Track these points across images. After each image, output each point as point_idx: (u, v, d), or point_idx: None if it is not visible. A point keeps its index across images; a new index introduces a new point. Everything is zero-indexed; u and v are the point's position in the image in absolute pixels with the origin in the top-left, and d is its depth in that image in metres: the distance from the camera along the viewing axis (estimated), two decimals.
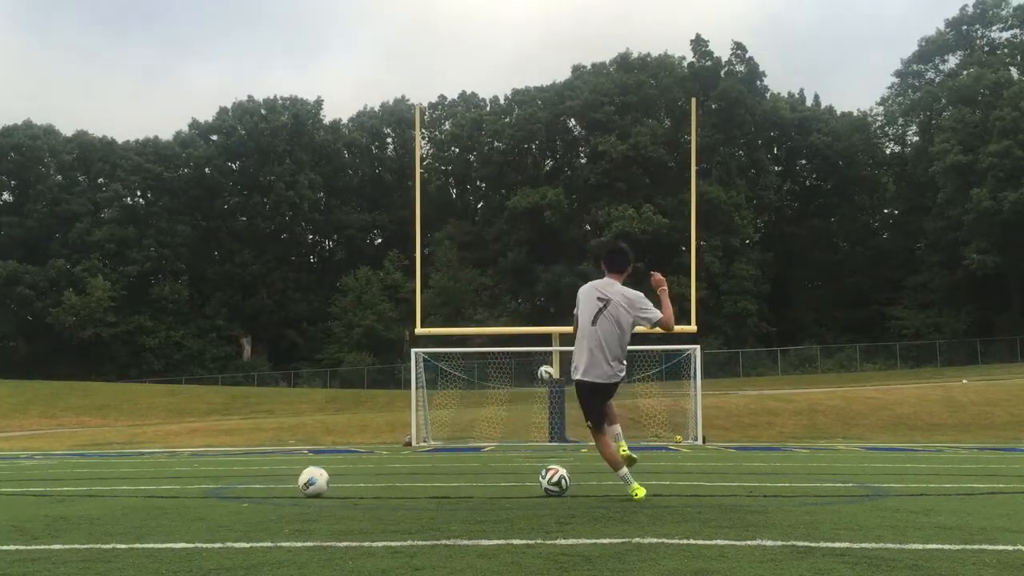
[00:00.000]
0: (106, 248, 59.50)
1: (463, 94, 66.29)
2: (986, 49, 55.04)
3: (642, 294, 6.33)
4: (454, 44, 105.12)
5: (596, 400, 6.20)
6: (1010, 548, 3.95)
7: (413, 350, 22.85)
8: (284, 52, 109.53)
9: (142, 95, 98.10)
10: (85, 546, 4.20)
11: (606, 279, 6.33)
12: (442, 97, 66.62)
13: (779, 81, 68.79)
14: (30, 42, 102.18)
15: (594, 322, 6.13)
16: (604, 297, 6.19)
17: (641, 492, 6.06)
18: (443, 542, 4.15)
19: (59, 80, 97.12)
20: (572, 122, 61.88)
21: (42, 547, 4.17)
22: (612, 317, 6.13)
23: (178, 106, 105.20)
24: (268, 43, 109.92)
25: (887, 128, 61.19)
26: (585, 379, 6.15)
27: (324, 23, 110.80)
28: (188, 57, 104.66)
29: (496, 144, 61.96)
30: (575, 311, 6.32)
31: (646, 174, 56.46)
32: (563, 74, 65.46)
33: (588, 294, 6.27)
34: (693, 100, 26.79)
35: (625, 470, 6.17)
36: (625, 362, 6.25)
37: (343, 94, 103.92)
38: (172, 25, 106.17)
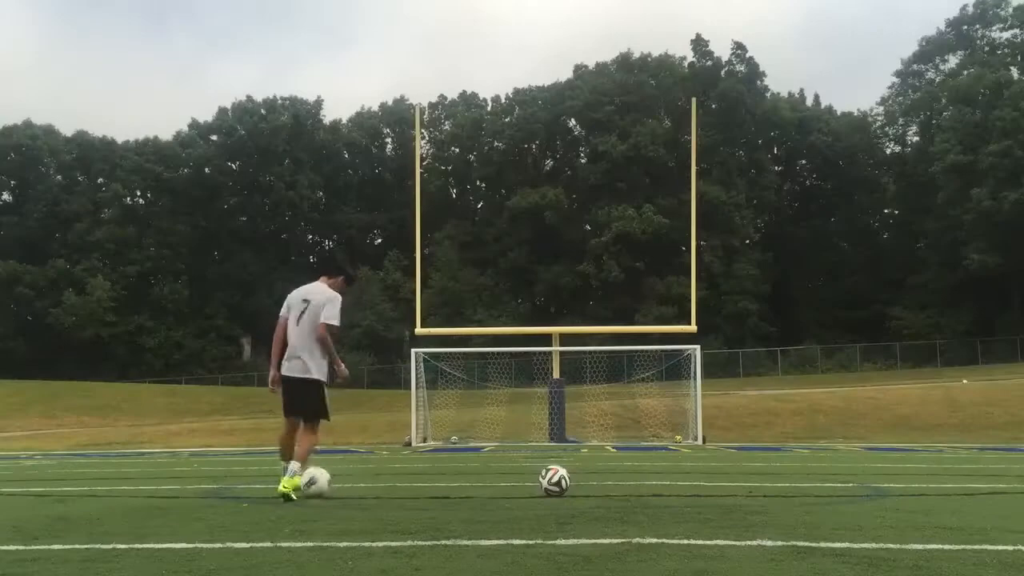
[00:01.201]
0: (106, 248, 59.51)
1: (463, 94, 66.29)
2: (986, 49, 55.04)
3: (337, 297, 6.80)
4: (455, 43, 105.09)
5: (295, 395, 6.72)
6: (1010, 548, 3.95)
7: (413, 350, 22.84)
8: (285, 52, 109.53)
9: (141, 94, 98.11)
10: (85, 546, 4.20)
11: (316, 283, 6.94)
12: (442, 97, 66.66)
13: (779, 81, 68.91)
14: (29, 40, 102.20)
15: (298, 321, 6.67)
16: (307, 299, 6.75)
17: (286, 488, 6.27)
18: (443, 542, 4.15)
19: (59, 79, 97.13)
20: (572, 122, 61.87)
21: (42, 547, 4.17)
22: (311, 316, 6.64)
23: (178, 106, 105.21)
24: (269, 43, 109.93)
25: (887, 128, 61.20)
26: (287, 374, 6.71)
27: (323, 23, 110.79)
28: (188, 56, 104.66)
29: (496, 144, 61.93)
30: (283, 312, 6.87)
31: (646, 174, 56.46)
32: (564, 74, 65.53)
33: (295, 296, 6.85)
34: (693, 100, 26.78)
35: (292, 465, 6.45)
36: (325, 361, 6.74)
37: (343, 94, 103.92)
38: (173, 24, 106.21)
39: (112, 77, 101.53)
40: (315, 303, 6.66)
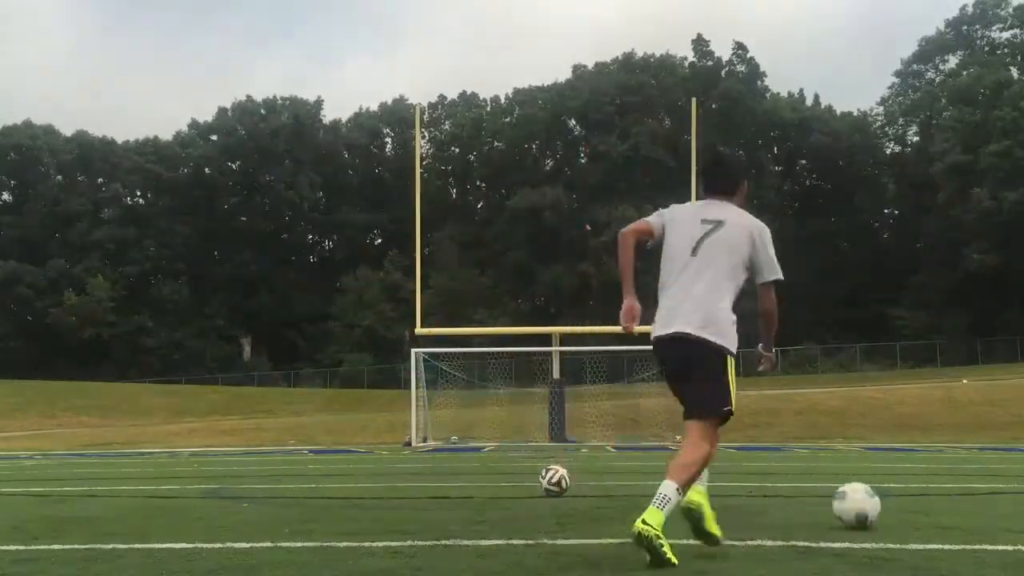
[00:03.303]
0: (106, 248, 59.52)
1: (463, 93, 66.31)
2: (986, 49, 55.08)
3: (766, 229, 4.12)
4: (456, 43, 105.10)
5: (680, 367, 3.98)
6: (1010, 548, 3.95)
7: (413, 350, 22.85)
8: (284, 52, 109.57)
9: (142, 94, 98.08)
10: (85, 546, 4.20)
11: (708, 201, 4.14)
12: (442, 97, 66.67)
13: (779, 81, 68.81)
14: (30, 40, 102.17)
15: (695, 249, 4.00)
16: (714, 219, 4.02)
17: (645, 527, 3.48)
18: (443, 542, 4.15)
19: (58, 79, 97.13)
20: (572, 122, 61.89)
21: (42, 547, 4.17)
22: (722, 247, 3.99)
23: (178, 106, 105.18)
24: (269, 43, 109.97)
25: (887, 128, 61.25)
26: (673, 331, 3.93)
27: (322, 23, 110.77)
28: (188, 57, 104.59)
29: (496, 144, 61.93)
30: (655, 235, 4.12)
31: (646, 174, 56.50)
32: (564, 74, 65.52)
33: (685, 212, 4.16)
34: (693, 100, 26.80)
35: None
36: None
37: (342, 94, 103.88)
38: (173, 22, 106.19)
39: (112, 76, 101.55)
40: (731, 227, 4.00)
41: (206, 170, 63.08)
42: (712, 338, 3.94)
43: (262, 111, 63.97)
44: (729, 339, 4.02)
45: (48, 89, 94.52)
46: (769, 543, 4.04)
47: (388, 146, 69.24)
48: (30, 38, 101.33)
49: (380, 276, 56.77)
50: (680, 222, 4.10)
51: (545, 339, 23.90)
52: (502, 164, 60.93)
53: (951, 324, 49.40)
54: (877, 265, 55.59)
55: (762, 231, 4.07)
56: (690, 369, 3.95)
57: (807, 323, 54.44)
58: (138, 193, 64.22)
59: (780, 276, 4.12)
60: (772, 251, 4.09)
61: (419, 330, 23.02)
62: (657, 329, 4.02)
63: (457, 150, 64.21)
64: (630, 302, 4.13)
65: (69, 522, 5.28)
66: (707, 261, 4.00)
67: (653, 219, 4.16)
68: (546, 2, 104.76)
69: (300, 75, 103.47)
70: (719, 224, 4.01)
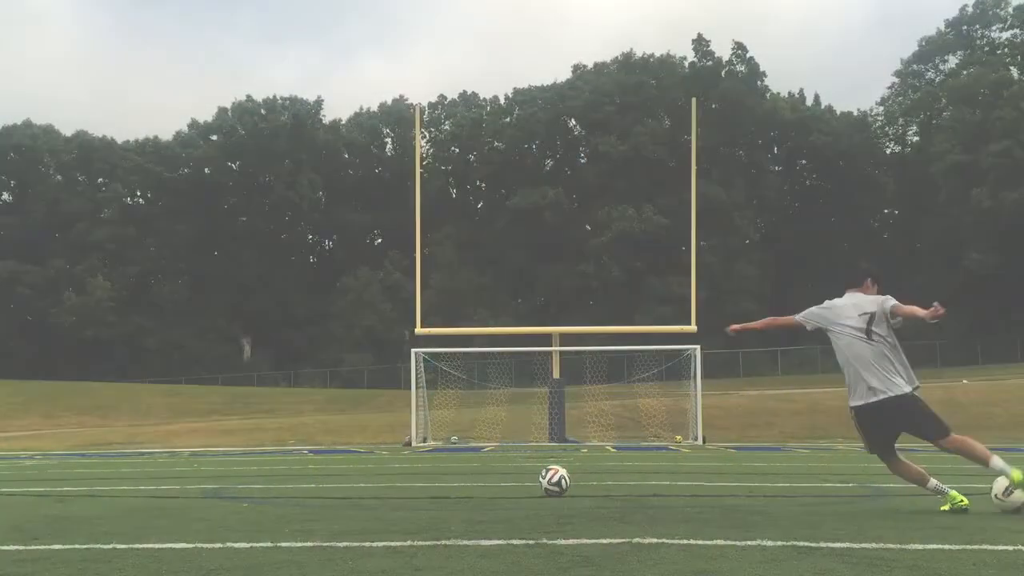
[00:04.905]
0: (106, 248, 59.51)
1: (463, 93, 66.30)
2: (986, 49, 55.07)
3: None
4: (457, 43, 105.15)
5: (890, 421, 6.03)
6: (1010, 548, 3.95)
7: (413, 350, 22.86)
8: (284, 51, 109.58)
9: (142, 94, 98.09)
10: (85, 546, 4.20)
11: (851, 294, 6.36)
12: (442, 97, 66.65)
13: (779, 81, 68.79)
14: (31, 40, 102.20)
15: (870, 336, 6.03)
16: (868, 311, 6.14)
17: (965, 501, 5.70)
18: (443, 542, 4.15)
19: (57, 79, 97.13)
20: (572, 122, 61.90)
21: (42, 547, 4.18)
22: (884, 326, 6.07)
23: (178, 106, 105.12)
24: (269, 42, 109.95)
25: (887, 128, 61.23)
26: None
27: (322, 23, 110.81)
28: (189, 56, 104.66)
29: (496, 144, 61.93)
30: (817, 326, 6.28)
31: (646, 174, 56.47)
32: (564, 74, 65.51)
33: (846, 309, 6.26)
34: (693, 100, 26.78)
35: (934, 481, 5.98)
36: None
37: (343, 93, 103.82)
38: (173, 23, 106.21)
39: (112, 76, 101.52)
40: (878, 312, 6.18)
41: (206, 170, 63.06)
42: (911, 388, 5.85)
43: (262, 111, 63.93)
44: (915, 380, 5.94)
45: (48, 89, 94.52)
46: (769, 543, 4.04)
47: (388, 146, 69.21)
48: (30, 38, 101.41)
49: (380, 276, 56.76)
50: (844, 318, 6.24)
51: (545, 339, 23.91)
52: (502, 164, 60.90)
53: (951, 324, 49.37)
54: (877, 265, 55.25)
55: (884, 303, 6.15)
56: (907, 415, 5.94)
57: None
58: (138, 193, 64.19)
59: (891, 302, 6.17)
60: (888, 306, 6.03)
61: (419, 330, 23.03)
62: (867, 398, 6.11)
63: (457, 150, 64.18)
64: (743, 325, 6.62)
65: (69, 522, 5.28)
66: (882, 341, 5.98)
67: (800, 318, 6.53)
68: (546, 2, 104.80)
69: (300, 75, 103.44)
70: (872, 315, 6.07)
